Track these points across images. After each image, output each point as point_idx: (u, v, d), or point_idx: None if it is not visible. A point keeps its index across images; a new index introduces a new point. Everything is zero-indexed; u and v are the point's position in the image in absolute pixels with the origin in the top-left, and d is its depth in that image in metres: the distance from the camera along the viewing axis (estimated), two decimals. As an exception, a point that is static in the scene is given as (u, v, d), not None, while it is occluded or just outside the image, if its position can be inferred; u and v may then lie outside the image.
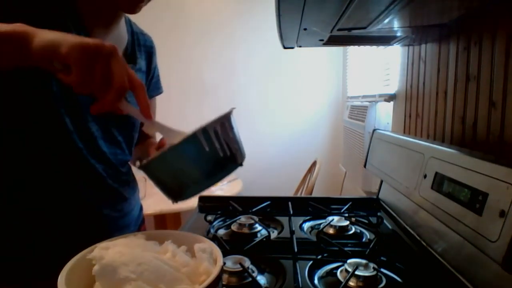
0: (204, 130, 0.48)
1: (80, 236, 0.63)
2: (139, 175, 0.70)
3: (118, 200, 0.75)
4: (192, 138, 0.47)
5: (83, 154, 0.65)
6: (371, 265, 0.66)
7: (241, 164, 0.55)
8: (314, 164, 2.34)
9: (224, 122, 0.51)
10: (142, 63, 0.80)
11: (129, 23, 0.80)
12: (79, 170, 0.66)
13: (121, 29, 0.76)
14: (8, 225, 0.62)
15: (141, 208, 0.88)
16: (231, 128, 0.52)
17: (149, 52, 0.84)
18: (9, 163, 0.61)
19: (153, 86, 0.88)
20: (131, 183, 0.81)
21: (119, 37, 0.75)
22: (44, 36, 0.45)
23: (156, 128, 0.53)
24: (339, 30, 0.80)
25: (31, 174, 0.62)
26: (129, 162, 0.80)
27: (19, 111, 0.59)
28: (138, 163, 0.54)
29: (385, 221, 0.96)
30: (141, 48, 0.81)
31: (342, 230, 0.88)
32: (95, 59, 0.43)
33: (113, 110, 0.47)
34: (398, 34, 0.92)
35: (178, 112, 2.78)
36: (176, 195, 0.54)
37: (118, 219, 0.75)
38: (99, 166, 0.68)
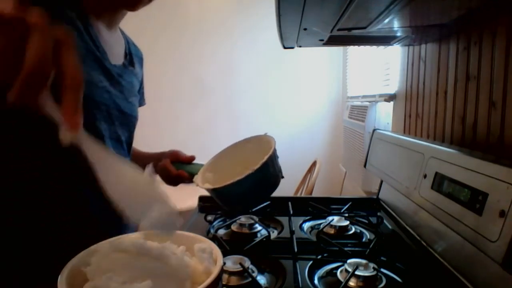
0: (269, 157, 0.64)
1: (80, 239, 0.63)
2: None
3: None
4: (263, 166, 0.63)
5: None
6: (371, 265, 0.66)
7: (283, 177, 0.73)
8: (314, 164, 2.34)
9: (275, 149, 0.69)
10: (137, 70, 0.81)
11: (122, 32, 0.82)
12: (82, 172, 0.65)
13: (120, 32, 0.77)
14: (9, 228, 0.62)
15: None
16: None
17: (140, 64, 0.86)
18: (12, 163, 0.61)
19: (140, 96, 0.89)
20: None
21: (120, 38, 0.76)
22: None
23: (81, 141, 0.38)
24: (339, 30, 0.80)
25: (34, 176, 0.62)
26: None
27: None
28: (207, 185, 0.68)
29: (385, 221, 0.96)
30: (133, 57, 0.82)
31: (342, 230, 0.88)
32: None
33: (29, 105, 0.34)
34: (398, 34, 0.92)
35: (175, 112, 2.78)
36: (236, 211, 0.77)
37: (118, 220, 0.75)
38: None
